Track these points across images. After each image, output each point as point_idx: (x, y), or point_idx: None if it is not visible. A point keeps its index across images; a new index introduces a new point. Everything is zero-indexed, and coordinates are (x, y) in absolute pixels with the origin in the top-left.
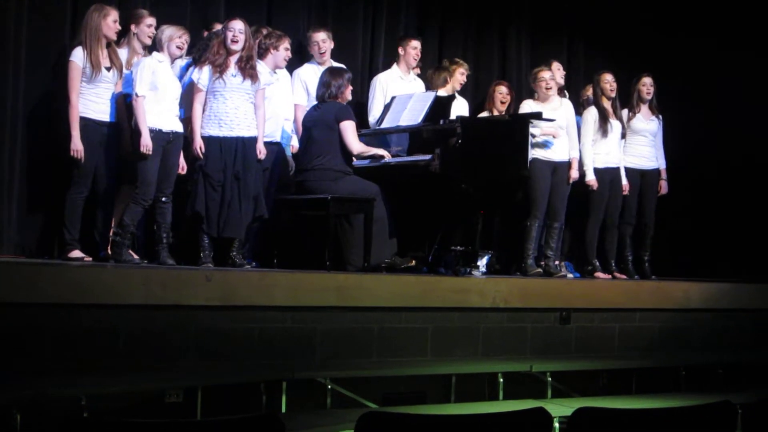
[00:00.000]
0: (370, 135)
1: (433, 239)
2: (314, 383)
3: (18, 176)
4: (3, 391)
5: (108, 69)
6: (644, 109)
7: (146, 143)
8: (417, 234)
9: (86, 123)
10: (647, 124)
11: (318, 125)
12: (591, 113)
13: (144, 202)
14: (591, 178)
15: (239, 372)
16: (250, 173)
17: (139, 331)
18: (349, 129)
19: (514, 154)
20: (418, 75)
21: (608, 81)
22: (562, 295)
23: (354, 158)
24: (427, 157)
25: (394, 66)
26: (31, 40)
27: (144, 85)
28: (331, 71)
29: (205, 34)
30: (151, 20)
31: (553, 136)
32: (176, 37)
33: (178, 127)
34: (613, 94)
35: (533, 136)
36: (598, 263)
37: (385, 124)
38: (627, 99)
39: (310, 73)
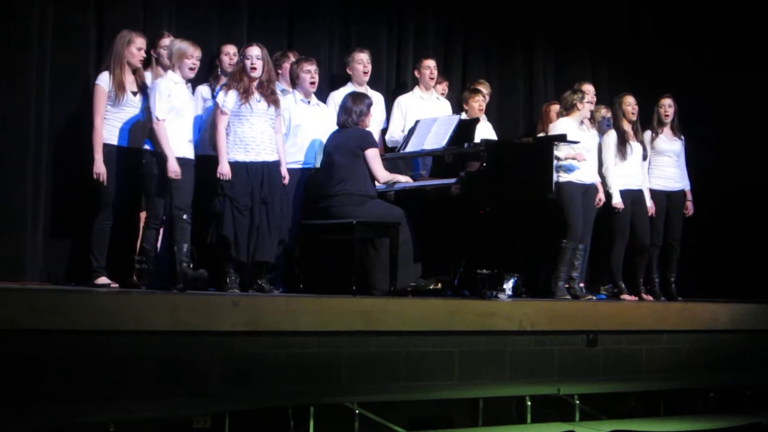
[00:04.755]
0: (395, 159)
1: (458, 262)
2: (341, 408)
3: (43, 203)
4: (31, 419)
5: (134, 94)
6: (666, 129)
7: (174, 168)
8: (442, 257)
9: (110, 149)
10: (671, 145)
11: (340, 151)
12: (611, 136)
13: (155, 225)
14: (617, 200)
15: (266, 397)
16: (276, 197)
17: (166, 357)
18: (374, 158)
19: (539, 177)
20: (442, 95)
21: (630, 103)
22: (589, 318)
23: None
24: (452, 180)
25: (416, 88)
26: (55, 66)
27: (163, 107)
28: (353, 97)
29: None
30: (167, 41)
31: (576, 159)
32: (188, 55)
33: (189, 154)
34: (634, 117)
35: (557, 159)
36: (624, 285)
37: (409, 148)
38: (650, 120)
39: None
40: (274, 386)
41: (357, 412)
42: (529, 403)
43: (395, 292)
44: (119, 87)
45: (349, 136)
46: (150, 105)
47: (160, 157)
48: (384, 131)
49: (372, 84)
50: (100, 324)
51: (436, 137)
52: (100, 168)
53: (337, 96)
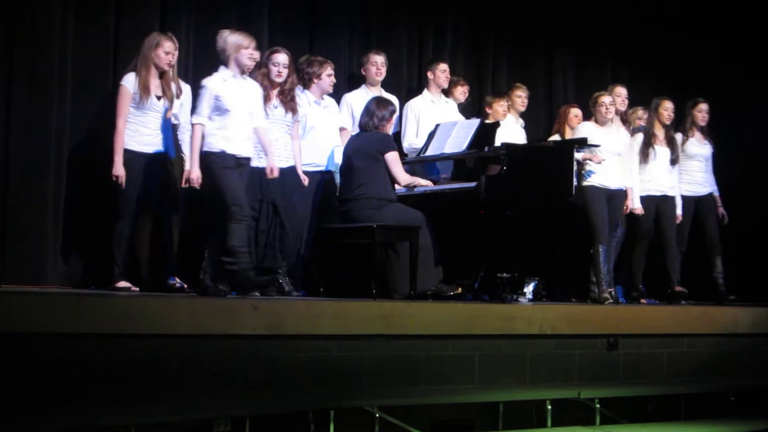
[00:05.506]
0: (415, 162)
1: (478, 266)
2: (362, 412)
3: (63, 206)
4: (52, 422)
5: (159, 98)
6: (697, 133)
7: (194, 176)
8: (462, 261)
9: (131, 153)
10: (701, 149)
11: (358, 154)
12: (637, 139)
13: (244, 219)
14: (636, 205)
15: (287, 401)
16: (289, 203)
17: (187, 361)
18: (394, 161)
19: (559, 181)
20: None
21: (667, 108)
22: (610, 321)
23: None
24: (472, 184)
25: (425, 91)
26: (76, 70)
27: (202, 111)
28: (378, 101)
29: None
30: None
31: (591, 160)
32: (245, 45)
33: (248, 152)
34: (668, 122)
35: (577, 162)
36: (644, 289)
37: (429, 152)
38: (679, 123)
39: (359, 98)
40: (295, 390)
41: (377, 415)
42: (549, 407)
43: (415, 295)
44: (144, 90)
45: (369, 139)
46: (193, 106)
47: (217, 156)
48: (395, 134)
49: (391, 87)
50: (120, 328)
51: (456, 141)
52: (119, 170)
53: (350, 98)
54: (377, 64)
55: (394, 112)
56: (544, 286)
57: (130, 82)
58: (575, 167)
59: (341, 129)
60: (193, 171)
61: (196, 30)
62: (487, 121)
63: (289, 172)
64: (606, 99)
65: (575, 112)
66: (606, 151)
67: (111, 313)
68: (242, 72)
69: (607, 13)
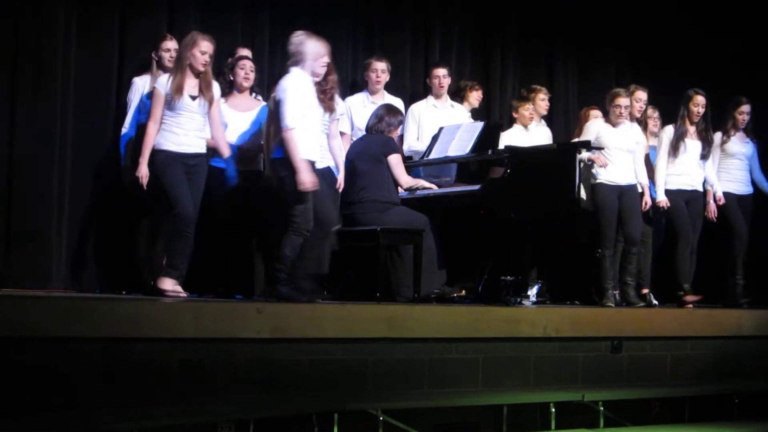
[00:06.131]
0: (419, 165)
1: (482, 269)
2: (366, 414)
3: (68, 210)
4: (56, 426)
5: (193, 98)
6: (739, 132)
7: (305, 180)
8: (466, 264)
9: (165, 155)
10: (742, 147)
11: (362, 157)
12: (666, 132)
13: (307, 233)
14: (661, 198)
15: (291, 404)
16: (327, 204)
17: (191, 364)
18: (397, 164)
19: (563, 184)
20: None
21: (698, 104)
22: (614, 324)
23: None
24: (476, 187)
25: (429, 96)
26: (80, 73)
27: (296, 113)
28: (389, 108)
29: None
30: (170, 44)
31: (594, 162)
32: (322, 53)
33: (325, 161)
34: (697, 119)
35: (586, 162)
36: (688, 287)
37: (433, 155)
38: (719, 121)
39: (358, 104)
40: (299, 393)
41: (381, 418)
42: (553, 409)
43: (419, 298)
44: (177, 90)
45: (372, 142)
46: (282, 110)
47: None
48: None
49: (394, 90)
50: (125, 331)
51: (460, 144)
52: (142, 171)
53: (351, 101)
54: (377, 71)
55: (402, 122)
56: (548, 288)
57: (161, 84)
58: (579, 169)
59: (341, 134)
60: (302, 176)
61: (202, 31)
62: (491, 124)
63: (324, 173)
64: (623, 101)
65: (595, 114)
66: (616, 149)
67: (115, 316)
68: (315, 79)
69: (611, 14)
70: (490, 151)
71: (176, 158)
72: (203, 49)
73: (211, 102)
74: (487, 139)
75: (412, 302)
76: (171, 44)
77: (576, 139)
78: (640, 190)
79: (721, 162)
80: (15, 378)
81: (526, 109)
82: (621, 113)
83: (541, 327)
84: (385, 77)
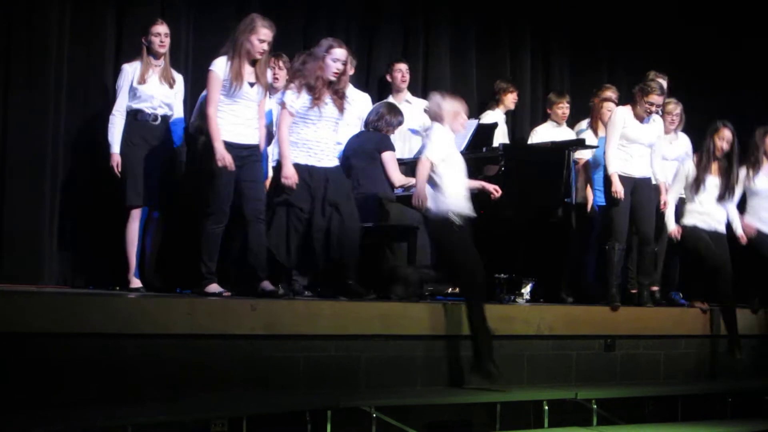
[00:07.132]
0: (413, 164)
1: None
2: (359, 412)
3: (59, 207)
4: (50, 423)
5: (251, 85)
6: (765, 166)
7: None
8: None
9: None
10: None
11: (357, 154)
12: (687, 166)
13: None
14: (672, 228)
15: (284, 401)
16: (348, 203)
17: (185, 361)
18: (390, 161)
19: (557, 181)
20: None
21: (724, 138)
22: (607, 322)
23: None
24: None
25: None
26: (73, 69)
27: (437, 151)
28: (390, 107)
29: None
30: (160, 28)
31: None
32: (461, 111)
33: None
34: (720, 155)
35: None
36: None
37: None
38: (743, 153)
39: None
40: (292, 390)
41: (374, 415)
42: (546, 407)
43: (413, 296)
44: (236, 77)
45: (367, 139)
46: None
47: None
48: None
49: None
50: (118, 327)
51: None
52: (224, 157)
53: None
54: (402, 71)
55: (401, 123)
56: (542, 286)
57: (219, 67)
58: (574, 168)
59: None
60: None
61: (195, 26)
62: (483, 122)
63: (337, 172)
64: (656, 99)
65: (609, 107)
66: (637, 142)
67: (109, 312)
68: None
69: (604, 12)
70: (484, 149)
71: (229, 149)
72: (262, 37)
73: (266, 89)
74: (481, 137)
75: (406, 299)
76: (162, 29)
77: (574, 138)
78: (654, 182)
79: (748, 201)
80: (6, 374)
81: (560, 108)
82: (652, 110)
83: (535, 325)
84: (408, 76)
